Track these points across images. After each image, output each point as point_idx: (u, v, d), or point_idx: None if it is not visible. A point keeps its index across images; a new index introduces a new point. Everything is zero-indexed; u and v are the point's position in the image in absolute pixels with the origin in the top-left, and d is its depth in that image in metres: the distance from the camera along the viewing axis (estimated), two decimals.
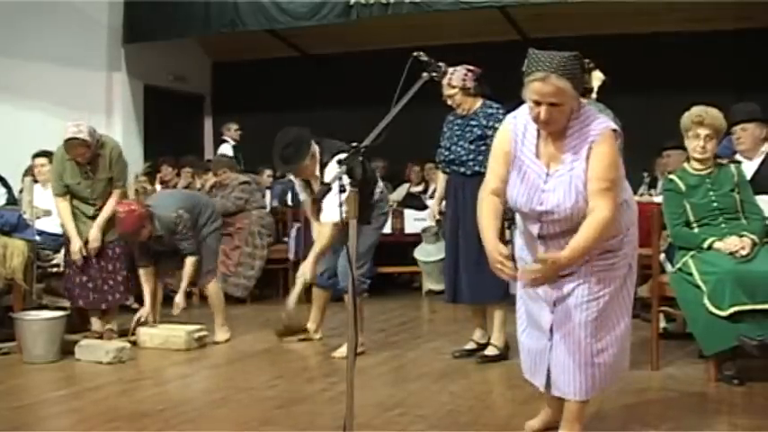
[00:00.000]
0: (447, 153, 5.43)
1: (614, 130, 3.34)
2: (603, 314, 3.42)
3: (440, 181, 5.77)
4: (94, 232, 5.96)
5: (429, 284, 8.63)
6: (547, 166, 3.38)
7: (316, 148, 5.52)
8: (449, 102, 5.39)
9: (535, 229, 3.46)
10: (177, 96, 11.49)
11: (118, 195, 6.05)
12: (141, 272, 6.13)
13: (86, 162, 5.91)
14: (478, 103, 5.37)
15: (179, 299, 6.15)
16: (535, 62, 3.23)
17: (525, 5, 8.59)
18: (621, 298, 3.50)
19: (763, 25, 9.05)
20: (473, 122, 5.33)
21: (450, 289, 5.52)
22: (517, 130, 3.44)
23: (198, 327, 6.09)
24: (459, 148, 5.35)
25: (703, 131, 4.75)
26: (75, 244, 5.92)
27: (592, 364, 3.43)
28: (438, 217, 5.80)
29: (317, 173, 5.54)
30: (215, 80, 12.40)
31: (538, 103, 3.25)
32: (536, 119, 3.30)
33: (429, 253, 8.47)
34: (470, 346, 5.59)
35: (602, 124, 3.33)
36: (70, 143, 5.79)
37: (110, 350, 5.46)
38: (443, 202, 5.66)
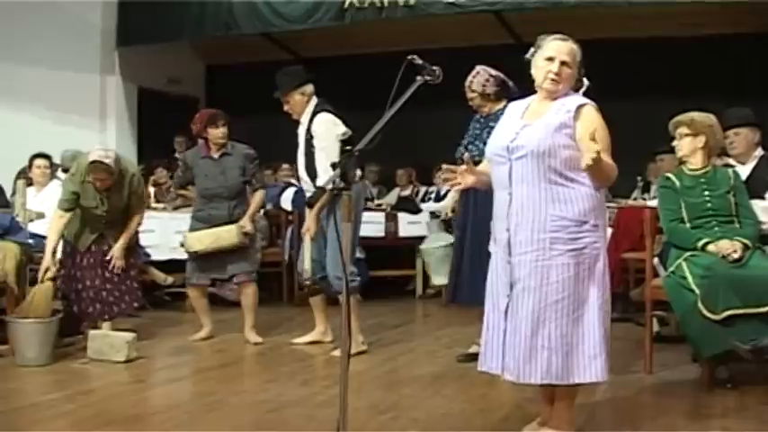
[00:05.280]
0: (463, 150, 5.39)
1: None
2: (557, 305, 3.44)
3: None
4: (119, 251, 5.94)
5: (436, 279, 8.21)
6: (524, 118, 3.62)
7: (310, 89, 5.79)
8: (470, 103, 5.41)
9: (504, 172, 3.51)
10: (171, 99, 11.46)
11: (136, 221, 6.10)
12: None
13: (104, 189, 5.85)
14: (501, 104, 5.33)
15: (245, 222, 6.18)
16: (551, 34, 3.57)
17: (520, 10, 8.60)
18: (589, 308, 3.47)
19: (756, 30, 9.07)
20: (492, 124, 5.27)
21: (451, 289, 5.49)
22: (513, 106, 3.74)
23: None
24: (473, 148, 5.32)
25: (683, 130, 4.88)
26: (47, 262, 5.73)
27: (533, 348, 3.45)
28: (450, 215, 5.78)
29: (304, 117, 5.76)
30: (209, 83, 12.39)
31: (551, 60, 3.50)
32: (545, 77, 3.52)
33: (433, 240, 8.40)
34: (474, 349, 5.54)
35: (587, 100, 3.53)
36: (94, 166, 5.68)
37: (120, 348, 5.46)
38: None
